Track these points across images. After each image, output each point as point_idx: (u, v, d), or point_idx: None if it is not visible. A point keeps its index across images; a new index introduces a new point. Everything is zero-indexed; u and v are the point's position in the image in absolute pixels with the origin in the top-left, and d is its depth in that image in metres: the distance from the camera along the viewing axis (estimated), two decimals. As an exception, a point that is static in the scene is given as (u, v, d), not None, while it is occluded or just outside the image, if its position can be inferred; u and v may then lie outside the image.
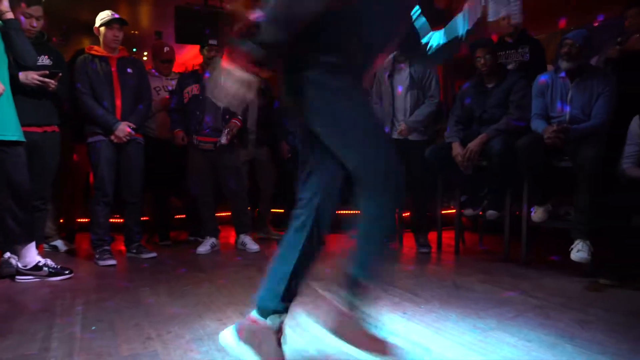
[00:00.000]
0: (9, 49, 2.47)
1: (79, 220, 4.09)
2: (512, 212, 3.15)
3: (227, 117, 3.55)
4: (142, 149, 3.27)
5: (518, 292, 2.41)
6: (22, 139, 2.50)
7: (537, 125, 2.87)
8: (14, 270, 2.68)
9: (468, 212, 3.43)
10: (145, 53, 7.95)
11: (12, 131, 2.43)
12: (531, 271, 2.88)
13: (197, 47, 3.65)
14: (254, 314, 1.46)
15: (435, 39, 1.67)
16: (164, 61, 3.95)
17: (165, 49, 4.00)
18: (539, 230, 3.52)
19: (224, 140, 3.48)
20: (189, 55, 8.12)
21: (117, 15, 3.16)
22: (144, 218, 3.71)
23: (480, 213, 3.35)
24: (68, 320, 2.01)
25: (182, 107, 3.56)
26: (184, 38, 5.83)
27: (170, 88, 3.87)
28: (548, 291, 2.45)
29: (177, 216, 4.50)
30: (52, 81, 2.74)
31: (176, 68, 4.86)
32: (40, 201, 2.93)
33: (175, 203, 4.41)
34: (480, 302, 2.24)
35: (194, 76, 3.59)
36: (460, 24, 1.63)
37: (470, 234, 4.18)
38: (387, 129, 3.49)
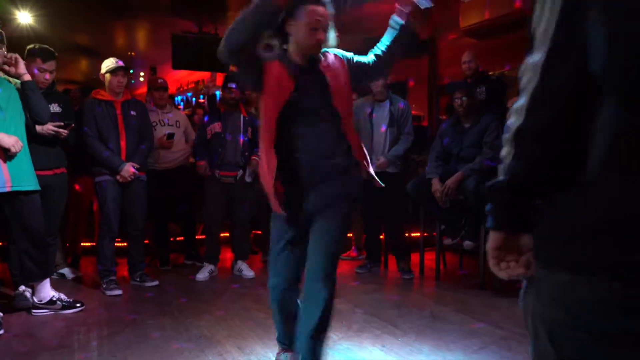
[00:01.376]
0: (26, 108, 2.71)
1: (82, 244, 4.33)
2: (487, 241, 3.43)
3: (247, 153, 3.84)
4: (145, 186, 3.52)
5: (487, 323, 2.69)
6: (38, 187, 2.75)
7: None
8: (29, 304, 2.92)
9: (447, 241, 3.72)
10: (142, 74, 8.23)
11: (29, 181, 2.68)
12: (502, 299, 3.15)
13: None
14: None
15: (382, 41, 1.94)
16: (158, 89, 4.15)
17: (159, 80, 4.26)
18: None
19: (249, 179, 3.81)
20: (182, 74, 8.39)
21: (121, 63, 3.41)
22: (145, 241, 3.96)
23: (459, 242, 3.63)
24: (86, 356, 2.26)
25: (204, 142, 3.84)
26: (180, 64, 6.11)
27: (166, 121, 4.12)
28: (515, 321, 2.71)
29: (178, 238, 4.74)
30: (65, 131, 2.98)
31: (171, 85, 5.07)
32: (51, 237, 3.17)
33: (174, 228, 4.66)
34: (452, 334, 2.51)
35: (216, 114, 3.88)
36: (396, 19, 1.91)
37: (452, 255, 4.45)
38: None
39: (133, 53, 7.65)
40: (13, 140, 2.54)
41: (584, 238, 0.60)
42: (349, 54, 1.93)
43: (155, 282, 3.58)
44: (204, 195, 3.89)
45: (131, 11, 5.77)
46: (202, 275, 3.79)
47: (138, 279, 3.59)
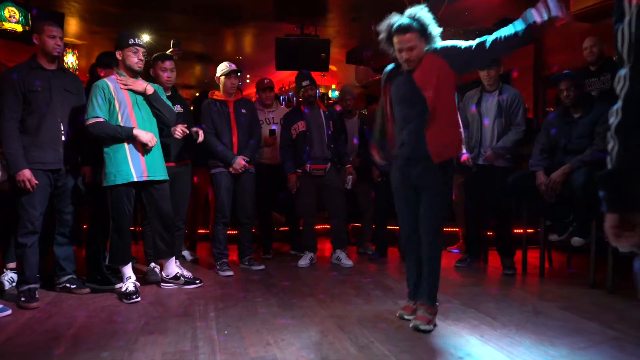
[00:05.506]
0: (155, 114, 3.12)
1: (199, 231, 4.83)
2: (598, 238, 3.20)
3: (332, 146, 4.03)
4: (254, 178, 3.85)
5: (597, 322, 2.53)
6: (167, 177, 3.17)
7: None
8: (158, 278, 3.38)
9: (553, 237, 3.52)
10: (248, 76, 8.82)
11: (160, 172, 3.11)
12: (617, 300, 2.94)
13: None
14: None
15: (506, 30, 2.19)
16: (265, 89, 4.45)
17: (266, 81, 4.52)
18: (628, 256, 3.50)
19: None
20: (284, 74, 8.84)
21: (233, 67, 3.76)
22: (252, 230, 4.29)
23: (567, 238, 3.43)
24: (206, 324, 2.57)
25: (290, 144, 4.06)
26: (283, 66, 6.46)
27: (271, 117, 4.41)
28: (630, 323, 2.52)
29: (282, 228, 5.06)
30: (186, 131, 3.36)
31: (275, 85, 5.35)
32: (180, 221, 3.61)
33: (278, 218, 4.99)
34: (556, 330, 2.42)
35: (298, 113, 4.10)
36: (531, 15, 2.09)
37: (559, 254, 4.21)
38: (470, 155, 3.73)
39: (240, 57, 8.25)
40: (149, 137, 2.97)
41: None
42: (443, 43, 2.40)
43: (262, 267, 3.90)
44: (297, 188, 4.09)
45: (239, 20, 6.26)
46: (304, 262, 4.04)
47: (246, 263, 3.93)
